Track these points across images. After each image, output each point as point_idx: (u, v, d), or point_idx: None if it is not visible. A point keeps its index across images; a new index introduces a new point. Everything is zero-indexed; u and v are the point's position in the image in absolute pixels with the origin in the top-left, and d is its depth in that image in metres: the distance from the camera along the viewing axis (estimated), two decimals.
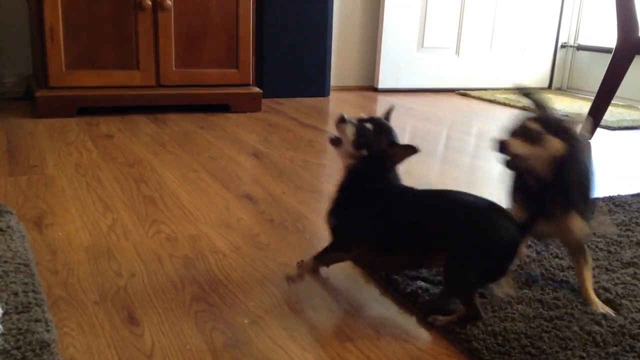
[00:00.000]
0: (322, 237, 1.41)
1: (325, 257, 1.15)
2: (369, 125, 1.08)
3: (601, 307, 1.09)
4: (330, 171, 1.99)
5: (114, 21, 2.56)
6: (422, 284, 1.14)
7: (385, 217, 1.07)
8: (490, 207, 1.03)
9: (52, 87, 2.51)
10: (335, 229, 1.13)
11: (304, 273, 1.15)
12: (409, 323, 1.06)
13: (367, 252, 1.10)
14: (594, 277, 1.21)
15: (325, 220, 1.15)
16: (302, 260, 1.18)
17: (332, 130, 1.13)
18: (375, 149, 1.07)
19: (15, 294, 1.03)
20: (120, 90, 2.62)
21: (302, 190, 1.74)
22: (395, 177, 1.11)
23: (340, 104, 3.28)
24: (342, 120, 1.08)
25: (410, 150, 1.05)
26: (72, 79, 2.53)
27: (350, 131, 1.07)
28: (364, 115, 1.11)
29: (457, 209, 1.03)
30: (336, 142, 1.10)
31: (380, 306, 1.11)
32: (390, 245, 1.07)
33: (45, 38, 2.45)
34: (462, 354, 0.96)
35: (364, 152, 1.07)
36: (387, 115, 1.13)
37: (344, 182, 1.12)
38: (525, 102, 1.15)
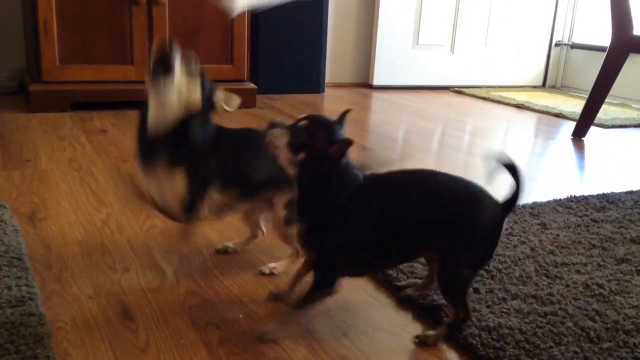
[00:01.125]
0: None
1: (312, 300, 0.98)
2: (304, 123, 0.93)
3: None
4: None
5: (108, 16, 2.54)
6: (418, 280, 1.14)
7: (370, 228, 0.94)
8: (472, 190, 0.97)
9: (45, 82, 2.50)
10: (318, 262, 0.98)
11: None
12: (404, 318, 1.06)
13: (355, 270, 1.02)
14: (588, 273, 1.21)
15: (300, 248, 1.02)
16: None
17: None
18: (313, 149, 0.92)
19: (9, 287, 1.03)
20: (114, 85, 2.60)
21: None
22: (352, 174, 0.95)
23: (335, 101, 3.27)
24: (272, 125, 0.94)
25: (346, 144, 0.91)
26: (65, 73, 2.52)
27: (281, 134, 0.93)
28: (302, 114, 0.96)
29: (441, 199, 0.96)
30: (271, 147, 0.94)
31: (375, 301, 1.11)
32: (382, 254, 0.99)
33: (39, 32, 2.43)
34: (457, 349, 0.96)
35: (302, 155, 0.92)
36: (343, 116, 0.97)
37: (299, 197, 0.96)
38: None
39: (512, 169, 0.96)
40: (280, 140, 0.93)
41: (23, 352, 0.87)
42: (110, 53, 2.58)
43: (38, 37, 2.44)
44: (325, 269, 0.97)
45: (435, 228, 0.95)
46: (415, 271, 1.17)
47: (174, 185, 1.07)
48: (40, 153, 1.91)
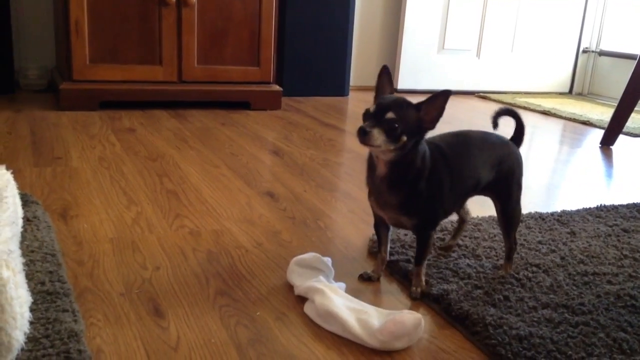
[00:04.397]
0: (343, 235, 1.41)
1: (429, 249, 1.16)
2: (390, 115, 1.00)
3: None
4: (350, 170, 1.99)
5: (138, 16, 2.58)
6: (449, 286, 1.13)
7: (446, 182, 1.12)
8: (500, 137, 1.24)
9: (75, 80, 2.54)
10: (425, 222, 1.12)
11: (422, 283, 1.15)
12: (434, 325, 1.06)
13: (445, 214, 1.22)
14: (619, 283, 1.20)
15: (403, 221, 1.12)
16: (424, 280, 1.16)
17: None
18: (411, 128, 1.01)
19: (42, 283, 1.04)
20: (143, 85, 2.63)
21: (322, 188, 1.75)
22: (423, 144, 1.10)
23: (359, 104, 3.27)
24: (363, 133, 0.99)
25: (443, 96, 1.00)
26: (95, 72, 2.55)
27: (378, 136, 0.99)
28: (371, 106, 1.03)
29: (487, 151, 1.19)
30: (374, 148, 1.03)
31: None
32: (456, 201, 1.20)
33: (70, 31, 2.47)
34: (488, 358, 0.95)
35: (404, 138, 1.00)
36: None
37: (389, 176, 1.06)
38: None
39: (511, 113, 1.24)
40: (379, 141, 1.00)
41: (58, 346, 0.88)
42: (140, 53, 2.61)
43: (69, 36, 2.48)
44: (431, 223, 1.14)
45: (492, 174, 1.18)
46: (446, 278, 1.17)
47: None
48: (71, 151, 1.94)
